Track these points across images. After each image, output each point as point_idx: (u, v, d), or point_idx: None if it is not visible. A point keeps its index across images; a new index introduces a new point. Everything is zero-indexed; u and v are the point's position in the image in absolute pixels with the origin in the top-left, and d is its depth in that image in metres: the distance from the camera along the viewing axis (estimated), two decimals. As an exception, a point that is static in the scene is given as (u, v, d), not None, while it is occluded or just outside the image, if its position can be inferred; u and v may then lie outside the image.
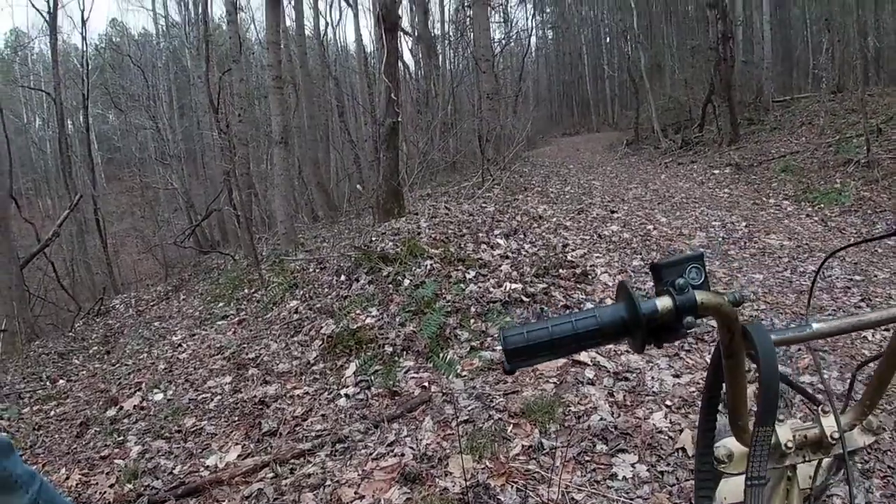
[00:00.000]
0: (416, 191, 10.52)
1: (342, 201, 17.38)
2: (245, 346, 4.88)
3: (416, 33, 18.38)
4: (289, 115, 13.49)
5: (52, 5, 15.27)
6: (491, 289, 4.23)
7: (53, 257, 12.88)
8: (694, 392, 2.80)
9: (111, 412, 4.05)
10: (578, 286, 4.50)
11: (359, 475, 2.50)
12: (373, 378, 3.49)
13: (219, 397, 3.87)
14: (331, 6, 27.12)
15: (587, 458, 2.37)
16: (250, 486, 2.61)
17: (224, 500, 2.57)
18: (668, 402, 2.72)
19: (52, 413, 4.44)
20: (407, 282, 4.45)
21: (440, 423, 2.83)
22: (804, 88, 17.85)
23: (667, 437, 2.45)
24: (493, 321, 3.84)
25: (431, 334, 3.69)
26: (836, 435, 0.73)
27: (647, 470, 2.26)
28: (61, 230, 12.23)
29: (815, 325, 0.75)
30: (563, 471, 2.28)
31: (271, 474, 2.68)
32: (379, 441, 2.79)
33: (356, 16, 20.71)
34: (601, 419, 2.61)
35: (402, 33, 13.93)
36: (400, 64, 10.22)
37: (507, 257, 4.96)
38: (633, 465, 2.29)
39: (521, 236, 5.83)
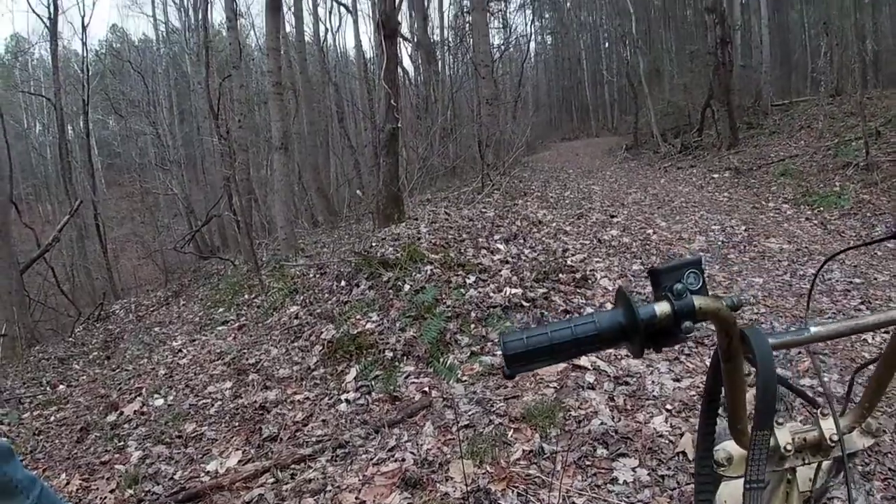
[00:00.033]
0: (415, 196, 10.53)
1: (342, 206, 17.40)
2: (245, 351, 4.88)
3: (415, 39, 18.44)
4: (289, 121, 13.52)
5: (52, 11, 15.35)
6: (491, 294, 4.24)
7: (53, 262, 12.89)
8: (694, 396, 2.80)
9: (111, 417, 4.05)
10: (578, 291, 4.50)
11: (359, 480, 2.50)
12: (373, 383, 3.49)
13: (219, 402, 3.88)
14: (330, 12, 27.23)
15: (588, 463, 2.37)
16: (251, 491, 2.61)
17: (225, 506, 2.57)
18: (668, 407, 2.73)
19: (53, 418, 4.45)
20: (407, 287, 4.46)
21: (441, 428, 2.83)
22: (803, 92, 17.90)
23: (667, 442, 2.45)
24: (493, 326, 3.85)
25: (432, 339, 3.69)
26: (835, 437, 0.74)
27: (648, 474, 2.26)
28: (61, 235, 12.23)
29: (812, 329, 0.76)
30: (563, 475, 2.28)
31: (272, 480, 2.68)
32: (380, 446, 2.79)
33: (356, 22, 20.78)
34: (602, 423, 2.62)
35: (401, 39, 13.97)
36: (399, 70, 10.25)
37: (507, 262, 4.97)
38: (633, 470, 2.29)
39: (521, 241, 5.84)
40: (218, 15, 22.00)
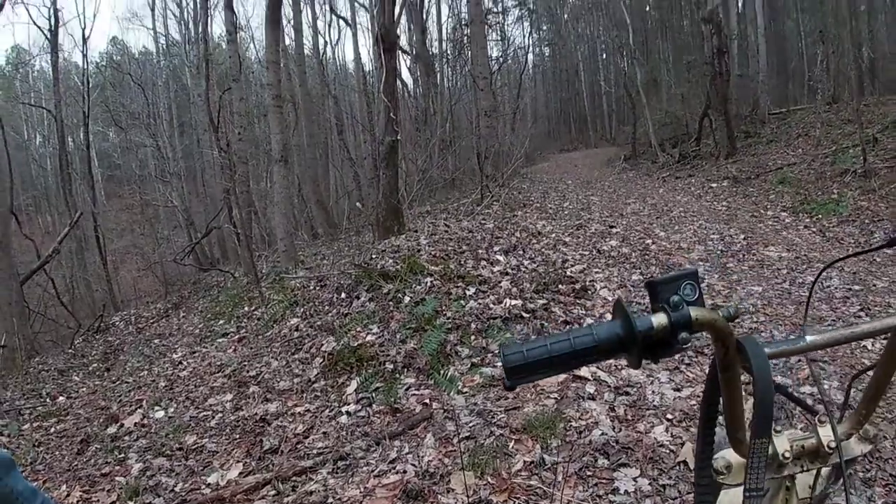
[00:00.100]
0: (415, 208, 10.56)
1: (342, 219, 17.43)
2: (246, 363, 4.88)
3: (414, 52, 18.55)
4: (288, 134, 13.56)
5: (53, 23, 15.47)
6: (491, 305, 4.25)
7: (53, 274, 12.88)
8: (695, 405, 2.80)
9: (112, 429, 4.05)
10: (578, 301, 4.51)
11: (360, 492, 2.50)
12: (374, 395, 3.49)
13: (220, 415, 3.87)
14: (329, 25, 27.32)
15: (589, 473, 2.37)
16: (252, 503, 2.61)
17: (226, 519, 2.57)
18: (669, 416, 2.73)
19: (53, 430, 4.44)
20: (407, 299, 4.47)
21: (441, 440, 2.83)
22: (800, 100, 17.97)
23: (668, 451, 2.45)
24: (493, 337, 3.85)
25: (432, 351, 3.70)
26: (833, 444, 0.75)
27: (649, 484, 2.26)
28: (61, 247, 12.24)
29: (809, 338, 0.77)
30: (564, 486, 2.28)
31: (273, 492, 2.67)
32: (380, 458, 2.79)
33: (355, 35, 20.87)
34: (602, 434, 2.62)
35: (400, 52, 14.06)
36: (398, 82, 10.31)
37: (507, 273, 4.98)
38: (634, 480, 2.29)
39: (521, 252, 5.86)
40: (218, 28, 22.17)
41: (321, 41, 22.39)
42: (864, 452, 0.79)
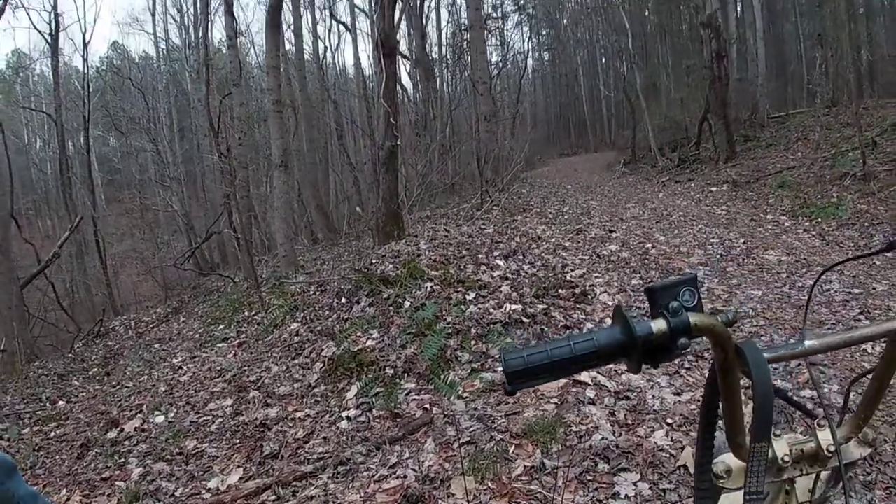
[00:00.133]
0: (415, 213, 10.57)
1: (342, 224, 17.43)
2: (246, 368, 4.88)
3: (414, 57, 18.59)
4: (288, 139, 13.59)
5: (53, 28, 15.51)
6: (491, 310, 4.25)
7: (53, 278, 12.89)
8: (695, 409, 2.80)
9: (112, 434, 4.04)
10: (578, 306, 4.51)
11: (361, 497, 2.50)
12: (374, 400, 3.49)
13: (220, 420, 3.87)
14: (329, 30, 27.45)
15: (589, 478, 2.37)
16: (253, 508, 2.61)
17: (226, 524, 2.56)
18: (669, 421, 2.73)
19: (53, 434, 4.44)
20: (407, 304, 4.47)
21: (442, 445, 2.83)
22: (799, 104, 17.99)
23: (668, 455, 2.45)
24: (493, 342, 3.85)
25: (432, 356, 3.70)
26: (833, 448, 0.75)
27: (650, 488, 2.26)
28: (61, 251, 12.24)
29: (807, 342, 0.78)
30: (565, 491, 2.28)
31: (273, 497, 2.67)
32: (381, 463, 2.79)
33: (354, 40, 20.92)
34: (603, 438, 2.62)
35: (400, 57, 14.09)
36: (398, 87, 10.33)
37: (507, 278, 4.98)
38: (635, 484, 2.29)
39: (521, 257, 5.86)
40: (218, 33, 22.20)
41: (321, 46, 22.49)
42: (864, 456, 0.79)
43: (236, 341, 6.28)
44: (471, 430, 2.89)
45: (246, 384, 4.41)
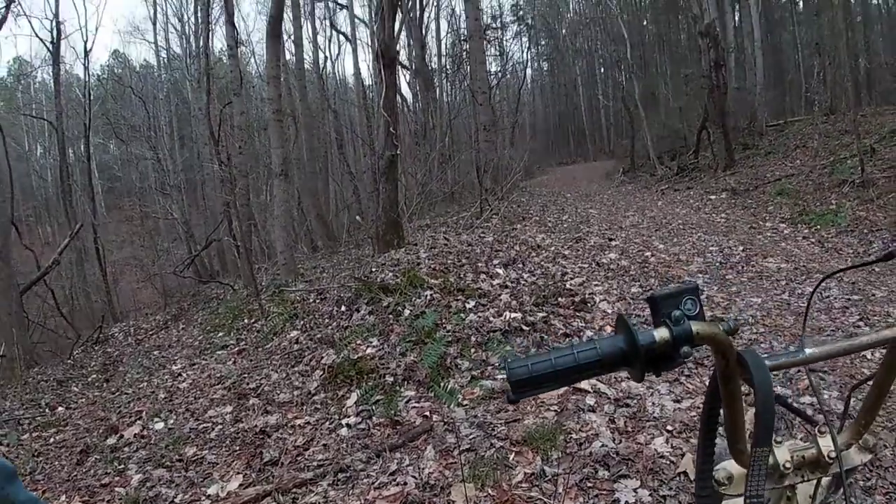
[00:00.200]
0: (415, 222, 10.58)
1: (341, 232, 17.44)
2: (245, 375, 4.87)
3: (413, 67, 18.66)
4: (288, 148, 13.61)
5: (55, 36, 15.56)
6: (491, 318, 4.25)
7: (53, 285, 12.87)
8: (695, 416, 2.81)
9: (111, 440, 4.04)
10: (578, 314, 4.52)
11: (361, 504, 2.50)
12: (374, 408, 3.49)
13: (220, 426, 3.87)
14: (330, 41, 27.57)
15: (589, 485, 2.37)
16: (253, 516, 2.61)
17: (226, 531, 2.56)
18: (669, 427, 2.73)
19: (52, 440, 4.43)
20: (407, 312, 4.47)
21: (442, 452, 2.83)
22: (797, 112, 18.07)
23: (668, 462, 2.46)
24: (493, 350, 3.86)
25: (432, 364, 3.70)
26: (833, 454, 0.76)
27: (650, 495, 2.26)
28: (61, 258, 12.24)
29: (808, 350, 0.79)
30: (565, 497, 2.28)
31: (273, 503, 2.67)
32: (381, 470, 2.79)
33: (354, 50, 20.98)
34: (603, 445, 2.62)
35: (400, 67, 14.14)
36: (398, 97, 10.37)
37: (507, 287, 4.98)
38: (635, 491, 2.29)
39: (520, 265, 5.87)
40: (219, 42, 22.23)
41: (321, 56, 22.59)
42: (864, 462, 0.80)
43: (236, 348, 6.27)
44: (471, 437, 2.89)
45: (246, 391, 4.41)
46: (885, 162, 8.45)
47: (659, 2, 28.02)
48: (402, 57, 18.30)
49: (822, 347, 0.79)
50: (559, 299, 4.70)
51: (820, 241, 6.83)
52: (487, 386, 3.42)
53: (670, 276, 5.73)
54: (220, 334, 7.56)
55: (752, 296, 4.87)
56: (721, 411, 0.77)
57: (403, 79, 19.36)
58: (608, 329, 4.27)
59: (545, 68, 44.45)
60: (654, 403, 2.98)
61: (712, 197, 10.92)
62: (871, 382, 0.80)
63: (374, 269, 5.78)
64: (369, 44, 21.46)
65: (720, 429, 0.81)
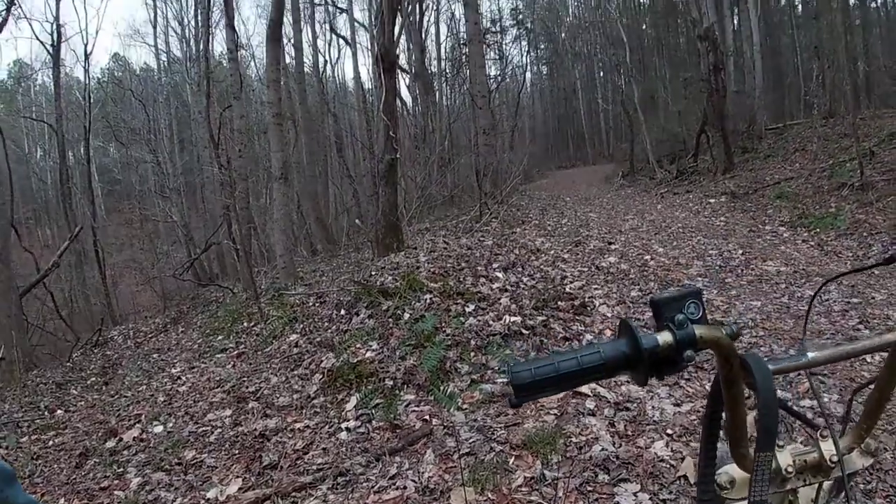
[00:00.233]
0: (414, 225, 10.59)
1: (341, 235, 17.45)
2: (245, 379, 4.87)
3: (413, 71, 18.68)
4: (288, 151, 13.62)
5: (55, 38, 15.58)
6: (490, 322, 4.25)
7: (52, 287, 12.86)
8: (695, 420, 2.81)
9: (110, 443, 4.03)
10: (577, 318, 4.52)
11: (361, 508, 2.49)
12: (374, 411, 3.48)
13: (219, 430, 3.86)
14: (329, 44, 27.61)
15: (589, 489, 2.37)
16: (252, 520, 2.60)
17: (225, 535, 2.55)
18: (669, 431, 2.73)
19: (51, 443, 4.42)
20: (407, 315, 4.47)
21: (442, 456, 2.82)
22: (796, 115, 18.12)
23: (668, 466, 2.45)
24: (493, 354, 3.85)
25: (432, 368, 3.69)
26: (835, 458, 0.76)
27: (650, 499, 2.26)
28: (61, 260, 12.24)
29: (810, 354, 0.78)
30: (565, 501, 2.28)
31: (273, 508, 2.66)
32: (381, 474, 2.78)
33: (354, 54, 21.06)
34: (602, 449, 2.62)
35: (399, 71, 14.15)
36: (398, 101, 10.38)
37: (506, 290, 4.98)
38: (635, 495, 2.29)
39: (520, 269, 5.87)
40: (219, 46, 22.28)
41: (321, 60, 22.62)
42: (866, 466, 0.80)
43: (235, 352, 6.26)
44: (470, 441, 2.89)
45: (245, 395, 4.40)
46: (885, 165, 8.46)
47: (658, 5, 28.10)
48: (402, 61, 18.34)
49: (825, 351, 0.79)
50: (559, 303, 4.70)
51: (819, 244, 6.83)
52: (487, 390, 3.42)
53: (670, 279, 5.73)
54: (220, 338, 7.55)
55: (752, 299, 4.87)
56: (723, 415, 0.77)
57: (403, 82, 19.37)
58: (608, 332, 4.27)
59: (544, 72, 44.57)
60: (653, 407, 2.98)
61: (711, 200, 10.93)
62: (872, 386, 0.80)
63: (373, 273, 5.77)
64: (369, 48, 21.54)
65: (721, 432, 0.81)
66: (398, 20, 8.08)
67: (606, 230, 9.22)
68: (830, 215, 7.52)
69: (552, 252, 7.16)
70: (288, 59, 19.15)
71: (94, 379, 7.32)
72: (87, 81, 18.17)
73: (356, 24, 22.51)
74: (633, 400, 3.08)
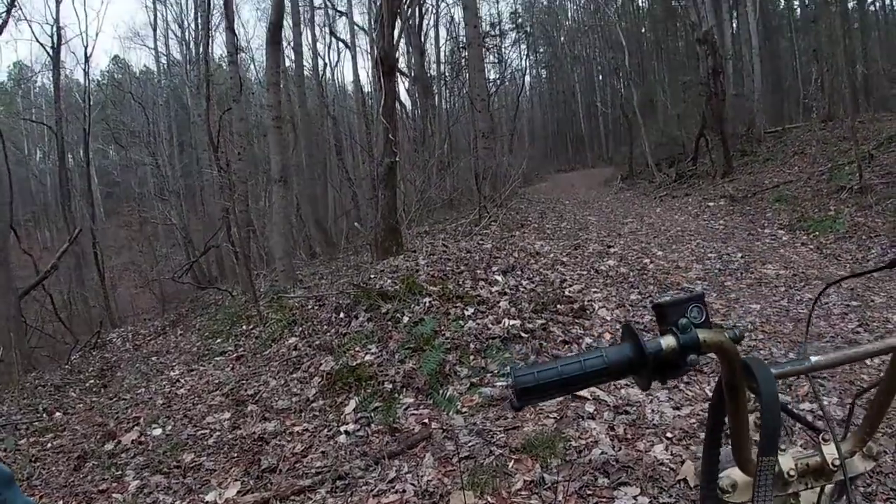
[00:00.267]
0: (413, 228, 10.58)
1: (340, 239, 17.46)
2: (244, 382, 4.86)
3: (412, 74, 18.71)
4: (287, 154, 13.63)
5: (55, 41, 15.63)
6: (489, 325, 4.24)
7: (51, 289, 12.85)
8: (694, 423, 2.80)
9: (109, 446, 4.01)
10: (577, 321, 4.51)
11: (360, 512, 2.49)
12: (373, 415, 3.48)
13: (218, 433, 3.85)
14: (329, 48, 27.63)
15: (589, 492, 2.36)
16: (250, 523, 2.59)
17: (224, 539, 2.54)
18: (668, 435, 2.72)
19: (49, 445, 4.40)
20: (406, 319, 4.46)
21: (441, 460, 2.82)
22: (795, 119, 18.14)
23: (668, 469, 2.45)
24: (492, 357, 3.85)
25: (431, 371, 3.69)
26: (838, 462, 0.76)
27: (650, 502, 2.25)
28: (60, 263, 12.24)
29: (813, 359, 0.78)
30: (565, 506, 2.27)
31: (271, 511, 2.66)
32: (380, 478, 2.78)
33: (354, 57, 21.06)
34: (602, 453, 2.61)
35: (399, 74, 14.17)
36: (397, 104, 10.39)
37: (505, 294, 4.97)
38: (634, 498, 2.28)
39: (519, 272, 5.86)
40: (219, 49, 22.30)
41: (321, 63, 22.67)
42: (868, 469, 0.80)
43: (234, 355, 6.25)
44: (470, 444, 2.88)
45: (244, 398, 4.39)
46: (883, 168, 8.47)
47: (657, 9, 28.15)
48: (402, 64, 18.37)
49: (828, 355, 0.79)
50: (558, 306, 4.70)
51: (818, 247, 6.83)
52: (486, 393, 3.41)
53: (669, 282, 5.73)
54: (219, 340, 7.55)
55: (751, 302, 4.87)
56: (726, 419, 0.77)
57: (402, 86, 19.41)
58: (607, 336, 4.27)
59: (544, 76, 44.56)
60: (653, 410, 2.97)
61: (710, 204, 10.94)
62: (874, 390, 0.80)
63: (372, 276, 5.77)
64: (368, 51, 21.59)
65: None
66: (398, 24, 8.09)
67: (605, 233, 9.22)
68: (829, 218, 7.52)
69: (551, 255, 7.15)
70: (287, 63, 19.19)
71: (92, 381, 7.31)
72: (86, 84, 18.25)
73: (356, 27, 22.55)
74: (632, 403, 3.07)
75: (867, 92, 17.57)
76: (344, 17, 22.65)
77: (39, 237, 31.27)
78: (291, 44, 18.28)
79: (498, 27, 32.68)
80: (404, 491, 2.58)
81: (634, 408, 3.03)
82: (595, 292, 5.40)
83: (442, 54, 24.84)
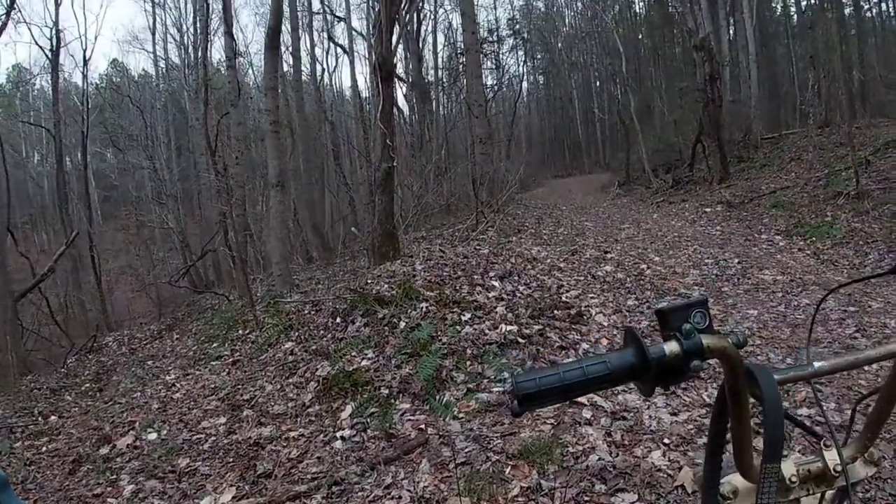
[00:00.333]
0: (410, 233, 10.56)
1: (337, 243, 17.43)
2: (240, 386, 4.84)
3: (410, 80, 18.73)
4: (285, 159, 13.62)
5: (54, 44, 15.63)
6: (486, 331, 4.24)
7: (47, 292, 12.83)
8: (692, 429, 2.79)
9: (104, 450, 3.99)
10: (574, 327, 4.51)
11: (356, 518, 2.47)
12: (369, 420, 3.46)
13: (213, 438, 3.83)
14: (327, 53, 27.66)
15: (586, 499, 2.35)
16: (245, 529, 2.57)
17: (219, 545, 2.52)
18: (666, 441, 2.72)
19: (44, 449, 4.39)
20: (402, 324, 4.45)
21: (437, 466, 2.80)
22: (792, 125, 18.18)
23: (665, 476, 2.44)
24: (489, 363, 3.84)
25: (427, 376, 3.68)
26: (839, 468, 0.75)
27: (647, 510, 2.24)
28: (56, 266, 12.21)
29: (816, 364, 0.78)
30: (562, 512, 2.26)
31: (267, 517, 2.64)
32: (376, 484, 2.76)
33: (352, 63, 21.18)
34: (599, 459, 2.60)
35: (397, 80, 14.19)
36: (395, 109, 10.40)
37: (502, 299, 4.97)
38: (632, 505, 2.27)
39: (516, 278, 5.85)
40: (217, 53, 22.38)
41: (319, 68, 22.71)
42: (869, 475, 0.79)
43: (230, 359, 6.23)
44: (466, 450, 2.87)
45: (240, 402, 4.37)
46: (880, 174, 8.50)
47: (654, 16, 28.26)
48: (400, 70, 18.37)
49: (831, 361, 0.78)
50: (555, 312, 4.69)
51: (815, 252, 6.85)
52: (483, 399, 3.40)
53: (666, 288, 5.73)
54: (215, 345, 7.52)
55: (749, 308, 4.87)
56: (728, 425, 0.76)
57: (400, 91, 19.44)
58: (604, 342, 4.26)
59: (541, 82, 44.63)
60: (650, 416, 2.96)
61: (707, 209, 10.96)
62: (875, 396, 0.79)
63: (369, 281, 5.76)
64: (367, 56, 21.62)
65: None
66: (396, 29, 8.10)
67: (602, 239, 9.23)
68: (826, 224, 7.54)
69: (548, 261, 7.15)
70: (286, 67, 19.20)
71: (88, 385, 7.28)
72: (85, 87, 18.23)
73: (354, 32, 22.63)
74: (630, 409, 3.07)
75: (864, 98, 17.62)
76: (342, 23, 22.74)
77: (36, 240, 31.15)
78: (290, 49, 18.31)
79: (496, 33, 32.71)
80: (400, 497, 2.57)
81: (632, 413, 3.02)
82: (592, 298, 5.40)
83: (440, 60, 24.91)
